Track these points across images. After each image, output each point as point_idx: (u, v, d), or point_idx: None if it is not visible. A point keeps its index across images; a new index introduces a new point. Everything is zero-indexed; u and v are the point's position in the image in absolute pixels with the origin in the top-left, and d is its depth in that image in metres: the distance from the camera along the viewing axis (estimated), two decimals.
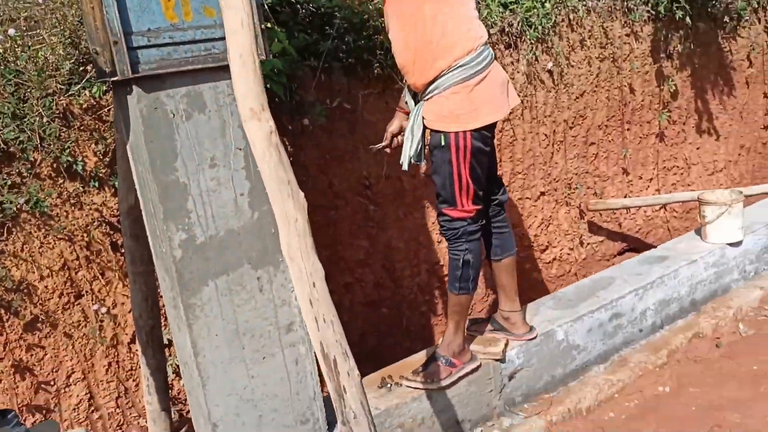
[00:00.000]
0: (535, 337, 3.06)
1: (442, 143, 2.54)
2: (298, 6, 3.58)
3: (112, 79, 2.00)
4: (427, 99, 2.55)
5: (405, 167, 2.66)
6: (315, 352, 1.56)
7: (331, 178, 3.71)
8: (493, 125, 2.65)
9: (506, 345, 2.97)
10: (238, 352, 2.23)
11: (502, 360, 2.96)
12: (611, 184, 4.87)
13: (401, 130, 2.86)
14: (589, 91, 4.59)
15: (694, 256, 3.82)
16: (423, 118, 2.58)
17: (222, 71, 2.13)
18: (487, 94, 2.56)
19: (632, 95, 4.81)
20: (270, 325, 2.29)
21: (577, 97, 4.56)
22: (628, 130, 4.87)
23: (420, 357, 3.01)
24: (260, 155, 1.56)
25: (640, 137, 4.96)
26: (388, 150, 2.95)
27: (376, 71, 3.72)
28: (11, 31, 2.76)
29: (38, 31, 3.02)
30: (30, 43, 2.93)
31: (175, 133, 2.05)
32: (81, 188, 2.87)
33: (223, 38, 2.10)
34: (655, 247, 4.28)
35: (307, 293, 1.53)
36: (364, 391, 1.54)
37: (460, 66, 2.49)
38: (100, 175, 2.93)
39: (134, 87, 1.97)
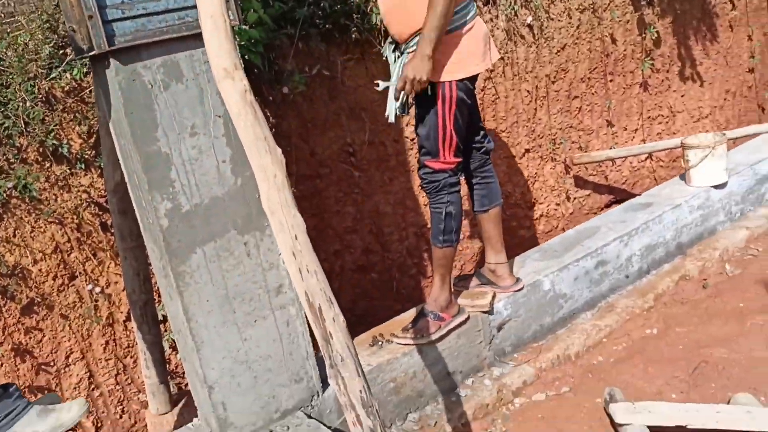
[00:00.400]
0: (521, 288, 3.12)
1: (429, 92, 2.57)
2: None
3: (90, 54, 2.02)
4: (412, 50, 2.56)
5: (392, 119, 2.68)
6: (301, 302, 1.61)
7: (314, 146, 3.74)
8: (476, 77, 2.70)
9: (493, 297, 3.03)
10: (229, 316, 2.28)
11: (489, 312, 3.03)
12: (596, 137, 4.90)
13: None
14: (570, 44, 4.61)
15: (679, 200, 3.87)
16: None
17: (196, 39, 2.14)
18: (472, 45, 2.62)
19: (614, 45, 4.82)
20: (259, 288, 2.35)
21: (559, 51, 4.57)
22: (611, 81, 4.89)
23: (409, 315, 3.08)
24: (236, 113, 1.60)
25: (624, 88, 4.98)
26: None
27: (354, 36, 3.73)
28: None
29: (16, 17, 3.04)
30: (8, 30, 2.95)
31: (154, 103, 2.08)
32: (68, 171, 2.91)
33: (195, 6, 2.14)
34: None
35: (290, 246, 1.58)
36: (350, 335, 1.60)
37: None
38: (86, 156, 2.97)
39: (111, 60, 2.00)
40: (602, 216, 3.98)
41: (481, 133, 2.95)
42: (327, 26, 3.69)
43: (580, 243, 3.52)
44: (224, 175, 2.23)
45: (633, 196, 4.84)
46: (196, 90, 2.17)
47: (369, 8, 3.83)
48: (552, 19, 4.51)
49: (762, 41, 5.78)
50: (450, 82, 2.56)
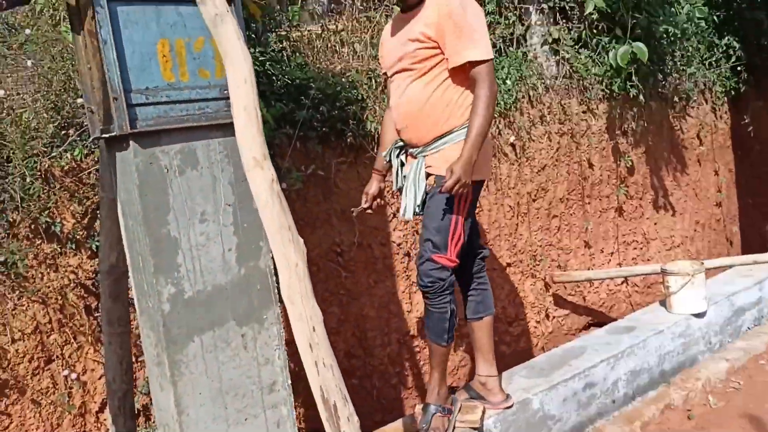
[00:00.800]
0: (511, 406, 3.07)
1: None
2: (274, 77, 3.73)
3: (109, 135, 2.05)
4: (432, 152, 2.68)
5: (409, 217, 2.74)
6: (314, 397, 1.56)
7: (304, 243, 3.75)
8: (483, 182, 2.81)
9: (483, 413, 2.96)
10: (221, 412, 2.19)
11: (479, 429, 2.95)
12: (574, 257, 5.03)
13: (380, 192, 2.97)
14: (550, 165, 4.82)
15: (661, 326, 3.92)
16: (426, 167, 2.71)
17: (214, 129, 2.21)
18: (488, 152, 2.83)
19: (591, 170, 5.06)
20: (253, 384, 2.27)
21: (539, 171, 4.77)
22: (588, 203, 5.09)
23: (398, 426, 2.99)
24: (263, 202, 1.61)
25: (600, 211, 5.18)
26: (369, 211, 3.03)
27: (349, 140, 3.86)
28: (0, 92, 2.80)
29: (21, 95, 3.07)
30: (14, 107, 2.97)
31: (168, 187, 2.09)
32: (58, 249, 2.85)
33: (216, 98, 2.21)
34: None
35: (307, 337, 1.56)
36: None
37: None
38: (78, 236, 2.92)
39: (132, 142, 2.02)
40: (587, 337, 4.01)
41: (480, 244, 3.02)
42: (324, 129, 3.83)
43: (567, 362, 3.51)
44: (229, 264, 2.21)
45: (610, 319, 4.91)
46: (210, 178, 2.20)
47: (365, 116, 3.99)
48: (533, 141, 4.74)
49: (727, 177, 6.15)
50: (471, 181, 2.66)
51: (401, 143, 2.86)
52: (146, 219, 2.05)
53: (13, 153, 2.78)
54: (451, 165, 2.53)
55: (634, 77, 4.95)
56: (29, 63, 3.03)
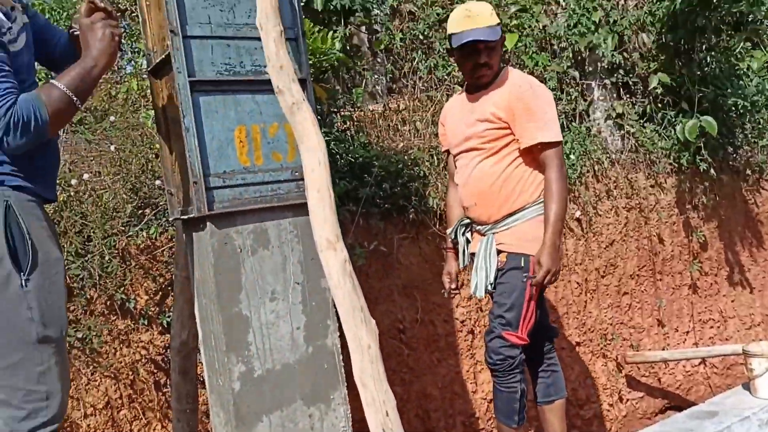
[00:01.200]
0: None
1: (522, 264, 2.63)
2: (339, 156, 3.83)
3: (187, 216, 2.12)
4: (503, 229, 2.69)
5: (480, 294, 2.73)
6: None
7: None
8: None
9: None
10: None
11: None
12: (647, 336, 4.82)
13: (458, 270, 2.97)
14: (618, 240, 4.70)
15: (746, 412, 3.67)
16: (497, 244, 2.70)
17: (285, 210, 2.26)
18: None
19: (662, 245, 4.91)
20: None
21: (607, 246, 4.66)
22: (660, 280, 4.91)
23: None
24: (335, 283, 1.62)
25: (673, 288, 4.99)
26: (456, 291, 3.05)
27: (411, 216, 3.88)
28: (86, 176, 2.97)
29: (104, 177, 3.24)
30: (96, 188, 3.13)
31: (241, 267, 2.14)
32: (131, 325, 2.93)
33: (288, 180, 2.27)
34: (696, 405, 4.14)
35: (380, 421, 1.52)
36: None
37: (542, 200, 2.67)
38: (150, 313, 3.00)
39: (208, 224, 2.09)
40: (666, 422, 3.78)
41: (548, 318, 2.94)
42: (386, 206, 3.87)
43: None
44: (297, 342, 2.21)
45: (688, 402, 4.64)
46: (280, 257, 2.23)
47: (427, 192, 4.02)
48: (600, 215, 4.66)
49: None
50: None
51: (467, 221, 2.88)
52: (219, 297, 2.08)
53: (94, 232, 2.91)
54: (537, 257, 2.53)
55: (703, 151, 4.85)
56: (112, 147, 3.21)
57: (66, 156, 3.19)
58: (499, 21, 2.67)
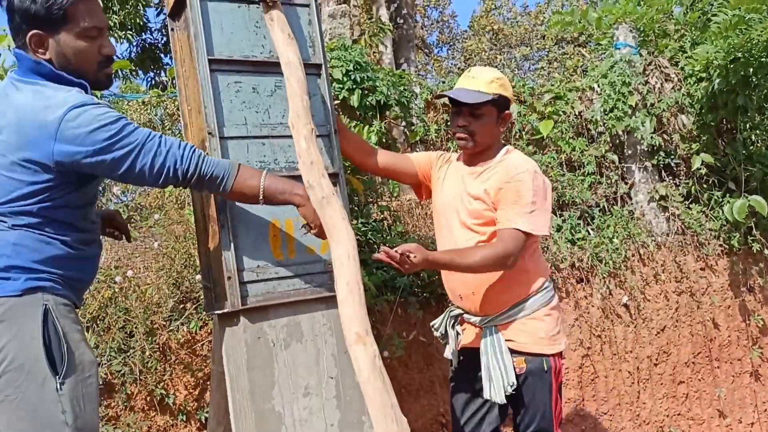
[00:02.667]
0: None
1: (545, 368, 2.45)
2: (375, 245, 3.85)
3: (222, 311, 2.15)
4: (506, 323, 2.48)
5: (501, 400, 2.44)
6: None
7: (406, 413, 3.61)
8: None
9: None
10: None
11: None
12: (708, 429, 4.53)
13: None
14: (670, 326, 4.52)
15: None
16: (508, 341, 2.48)
17: (318, 302, 2.27)
18: (561, 319, 2.62)
19: (717, 330, 4.69)
20: None
21: (658, 333, 4.48)
22: (718, 368, 4.66)
23: None
24: (365, 379, 1.59)
25: (733, 376, 4.72)
26: None
27: None
28: (129, 273, 3.05)
29: (148, 273, 3.33)
30: (140, 284, 3.21)
31: (274, 361, 2.13)
32: (170, 421, 2.91)
33: (320, 272, 2.29)
34: None
35: None
36: None
37: (546, 288, 2.53)
38: (189, 408, 2.99)
39: (241, 318, 2.11)
40: None
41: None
42: (425, 295, 3.84)
43: None
44: None
45: None
46: (314, 350, 2.22)
47: None
48: (649, 300, 4.51)
49: None
50: (559, 352, 2.51)
51: (456, 311, 2.64)
52: (252, 394, 2.07)
53: (136, 327, 2.96)
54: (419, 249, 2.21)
55: (754, 231, 4.70)
56: (156, 245, 3.31)
57: (112, 254, 3.30)
58: (499, 93, 2.45)
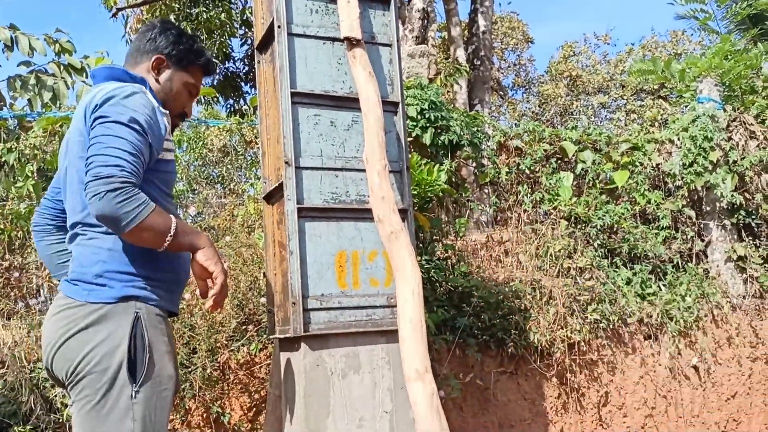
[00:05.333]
0: None
1: None
2: (438, 284, 3.84)
3: (284, 336, 2.19)
4: None
5: None
6: None
7: None
8: None
9: None
10: None
11: None
12: None
13: None
14: (741, 393, 4.29)
15: None
16: None
17: (378, 336, 2.28)
18: None
19: None
20: None
21: (728, 399, 4.25)
22: None
23: None
24: (422, 416, 1.59)
25: None
26: None
27: (510, 350, 3.77)
28: (197, 291, 3.14)
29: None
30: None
31: (330, 390, 2.14)
32: None
33: (383, 306, 2.30)
34: None
35: None
36: None
37: None
38: (242, 429, 3.02)
39: (302, 344, 2.14)
40: None
41: None
42: (485, 337, 3.79)
43: None
44: None
45: None
46: (370, 383, 2.22)
47: (528, 326, 3.90)
48: (720, 364, 4.30)
49: None
50: None
51: None
52: (307, 420, 2.08)
53: (199, 345, 3.04)
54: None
55: None
56: (225, 265, 3.41)
57: None
58: None
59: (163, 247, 1.72)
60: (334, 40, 2.38)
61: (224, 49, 8.48)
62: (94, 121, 1.73)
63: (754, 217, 4.71)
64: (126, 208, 1.62)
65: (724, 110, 4.83)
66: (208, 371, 2.96)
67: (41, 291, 3.64)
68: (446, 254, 4.09)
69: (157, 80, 1.94)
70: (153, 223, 1.67)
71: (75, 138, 1.82)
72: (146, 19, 7.74)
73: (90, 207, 1.65)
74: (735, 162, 4.67)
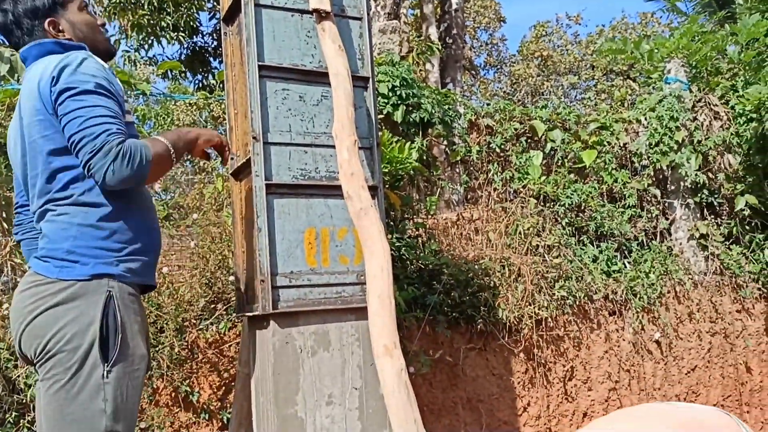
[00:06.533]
0: None
1: None
2: (409, 262, 3.85)
3: (253, 313, 2.17)
4: None
5: None
6: None
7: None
8: None
9: None
10: None
11: None
12: None
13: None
14: (701, 367, 4.41)
15: None
16: None
17: (348, 313, 2.27)
18: None
19: (749, 375, 4.56)
20: None
21: (689, 372, 4.37)
22: (747, 412, 4.53)
23: None
24: (390, 391, 1.60)
25: (762, 422, 4.58)
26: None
27: (479, 327, 3.81)
28: (165, 270, 3.11)
29: (182, 271, 3.39)
30: (173, 282, 3.27)
31: (300, 368, 2.14)
32: (192, 419, 2.95)
33: (352, 283, 2.30)
34: None
35: None
36: None
37: None
38: (212, 408, 3.01)
39: (272, 322, 2.13)
40: None
41: None
42: (454, 314, 3.82)
43: None
44: None
45: None
46: (340, 360, 2.23)
47: (496, 303, 3.95)
48: (681, 339, 4.41)
49: None
50: None
51: None
52: (276, 398, 2.08)
53: (167, 324, 3.00)
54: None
55: None
56: (192, 243, 3.37)
57: None
58: None
59: (172, 166, 1.86)
60: (303, 12, 2.34)
61: (192, 23, 8.29)
62: (59, 95, 1.69)
63: (716, 196, 4.81)
64: (135, 163, 1.68)
65: (690, 91, 4.89)
66: (177, 350, 2.94)
67: (4, 269, 3.56)
68: (417, 232, 4.10)
69: (69, 39, 1.86)
70: (157, 155, 1.76)
71: (32, 120, 1.75)
72: None
73: (103, 184, 1.68)
74: (699, 142, 4.75)
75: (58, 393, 1.65)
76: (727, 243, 4.75)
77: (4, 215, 3.10)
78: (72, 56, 1.74)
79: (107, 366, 1.68)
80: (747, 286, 4.61)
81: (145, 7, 7.52)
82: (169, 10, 7.69)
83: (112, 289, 1.72)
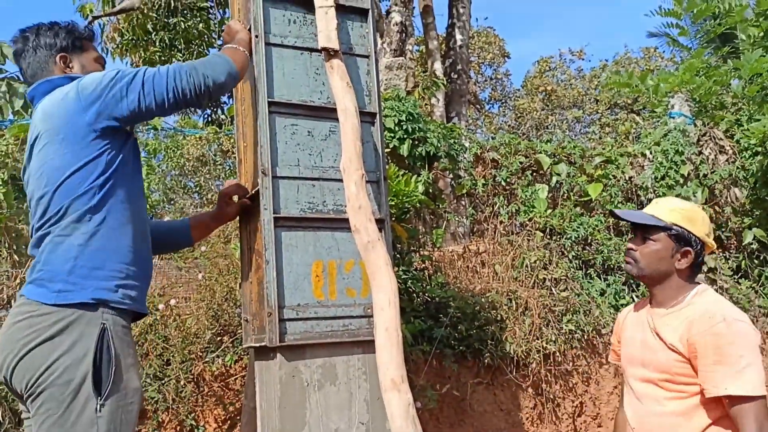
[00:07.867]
0: None
1: None
2: (415, 295, 3.85)
3: (259, 345, 2.17)
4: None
5: None
6: None
7: None
8: None
9: None
10: None
11: None
12: None
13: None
14: None
15: None
16: None
17: (355, 346, 2.27)
18: None
19: None
20: None
21: None
22: None
23: None
24: (398, 426, 1.59)
25: None
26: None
27: (486, 361, 3.78)
28: (172, 302, 3.12)
29: (189, 303, 3.39)
30: (180, 314, 3.27)
31: (306, 401, 2.13)
32: None
33: (359, 316, 2.30)
34: None
35: None
36: None
37: None
38: None
39: (278, 355, 2.12)
40: None
41: None
42: (461, 348, 3.80)
43: None
44: None
45: None
46: (347, 394, 2.21)
47: (504, 337, 3.93)
48: None
49: None
50: None
51: None
52: None
53: (173, 356, 3.00)
54: None
55: None
56: (200, 276, 3.38)
57: (158, 281, 3.38)
58: (679, 224, 2.10)
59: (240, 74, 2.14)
60: (311, 50, 2.39)
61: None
62: (97, 98, 1.83)
63: (723, 229, 4.80)
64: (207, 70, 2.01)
65: (695, 125, 4.93)
66: (182, 383, 2.93)
67: (12, 303, 3.57)
68: (423, 265, 4.10)
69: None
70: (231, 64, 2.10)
71: (46, 142, 1.83)
72: (123, 27, 7.69)
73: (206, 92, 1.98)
74: (705, 175, 4.77)
75: (51, 428, 1.65)
76: (736, 277, 4.72)
77: (14, 247, 3.12)
78: (80, 78, 1.90)
79: (100, 399, 1.67)
80: (757, 321, 4.56)
81: (157, 44, 7.66)
82: (180, 47, 7.84)
83: (107, 322, 1.73)
